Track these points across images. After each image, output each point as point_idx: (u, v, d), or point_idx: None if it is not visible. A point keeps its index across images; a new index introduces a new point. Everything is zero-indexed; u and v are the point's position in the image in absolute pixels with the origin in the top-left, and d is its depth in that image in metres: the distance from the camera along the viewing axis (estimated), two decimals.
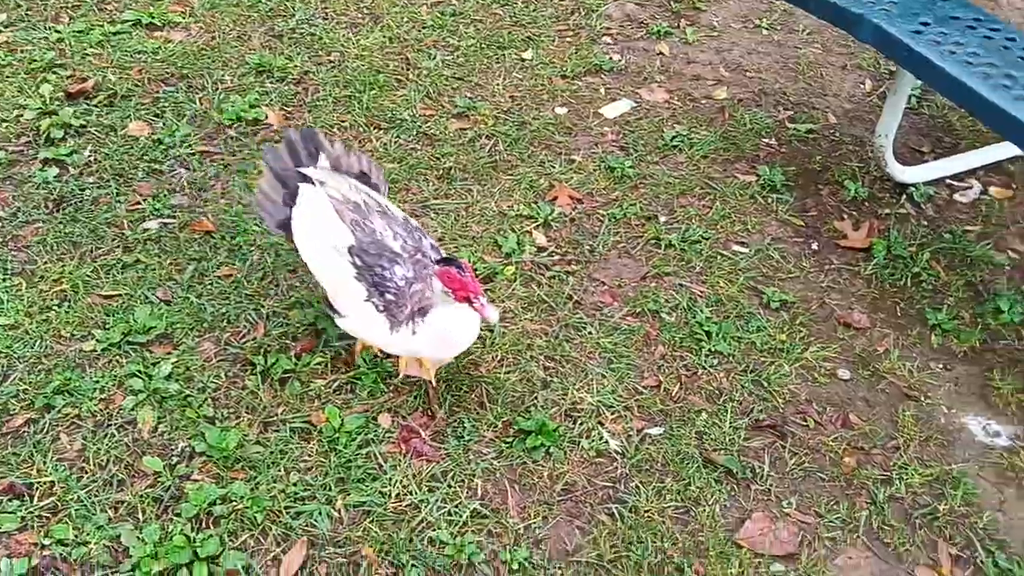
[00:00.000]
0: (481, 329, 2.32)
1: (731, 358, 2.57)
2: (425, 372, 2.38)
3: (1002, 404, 2.53)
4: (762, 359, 2.57)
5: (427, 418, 2.32)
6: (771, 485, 2.28)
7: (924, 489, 2.31)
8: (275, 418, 2.30)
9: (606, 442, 2.33)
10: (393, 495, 2.17)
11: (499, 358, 2.49)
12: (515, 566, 2.07)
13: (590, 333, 2.60)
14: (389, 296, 2.23)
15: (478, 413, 2.35)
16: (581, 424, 2.37)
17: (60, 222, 2.78)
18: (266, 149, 2.44)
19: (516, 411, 2.37)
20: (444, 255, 2.25)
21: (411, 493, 2.18)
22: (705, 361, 2.55)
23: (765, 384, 2.50)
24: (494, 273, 2.73)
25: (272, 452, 2.23)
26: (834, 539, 2.19)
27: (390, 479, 2.20)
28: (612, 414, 2.40)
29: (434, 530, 2.11)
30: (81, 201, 2.86)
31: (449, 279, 2.08)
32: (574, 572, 2.08)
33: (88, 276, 2.62)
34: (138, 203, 2.87)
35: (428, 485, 2.20)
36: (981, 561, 2.17)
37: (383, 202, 2.35)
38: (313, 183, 2.32)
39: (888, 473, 2.33)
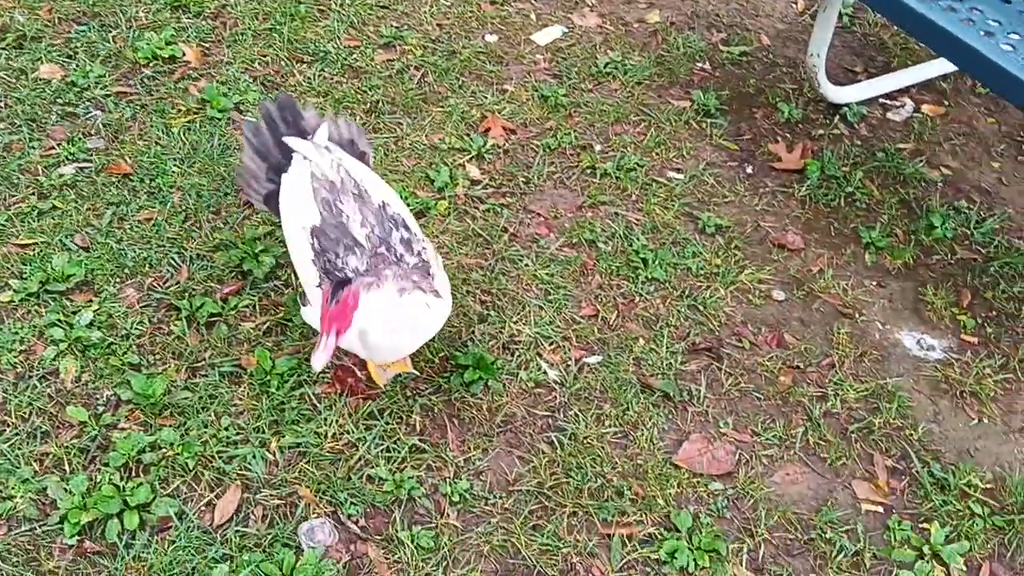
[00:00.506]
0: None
1: (667, 284, 2.55)
2: (399, 367, 2.24)
3: (935, 318, 2.56)
4: (698, 284, 2.56)
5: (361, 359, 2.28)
6: (708, 407, 2.28)
7: (859, 404, 2.33)
8: (203, 363, 2.24)
9: (544, 373, 2.31)
10: (329, 435, 2.13)
11: None
12: (456, 498, 2.05)
13: (527, 265, 2.56)
14: None
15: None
16: (519, 356, 2.34)
17: None
18: (245, 124, 2.28)
19: (453, 346, 2.34)
20: (356, 275, 1.96)
21: (347, 432, 2.14)
22: (642, 288, 2.53)
23: (701, 308, 2.50)
24: (427, 208, 2.67)
25: (201, 397, 2.17)
26: (771, 456, 2.20)
27: (325, 419, 2.16)
28: (550, 345, 2.38)
29: (372, 467, 2.08)
30: None
31: (323, 300, 1.87)
32: (515, 501, 2.07)
33: (2, 225, 2.50)
34: (52, 148, 2.75)
35: (365, 423, 2.16)
36: (916, 472, 2.21)
37: (362, 184, 2.13)
38: (301, 156, 2.15)
39: (823, 390, 2.35)
